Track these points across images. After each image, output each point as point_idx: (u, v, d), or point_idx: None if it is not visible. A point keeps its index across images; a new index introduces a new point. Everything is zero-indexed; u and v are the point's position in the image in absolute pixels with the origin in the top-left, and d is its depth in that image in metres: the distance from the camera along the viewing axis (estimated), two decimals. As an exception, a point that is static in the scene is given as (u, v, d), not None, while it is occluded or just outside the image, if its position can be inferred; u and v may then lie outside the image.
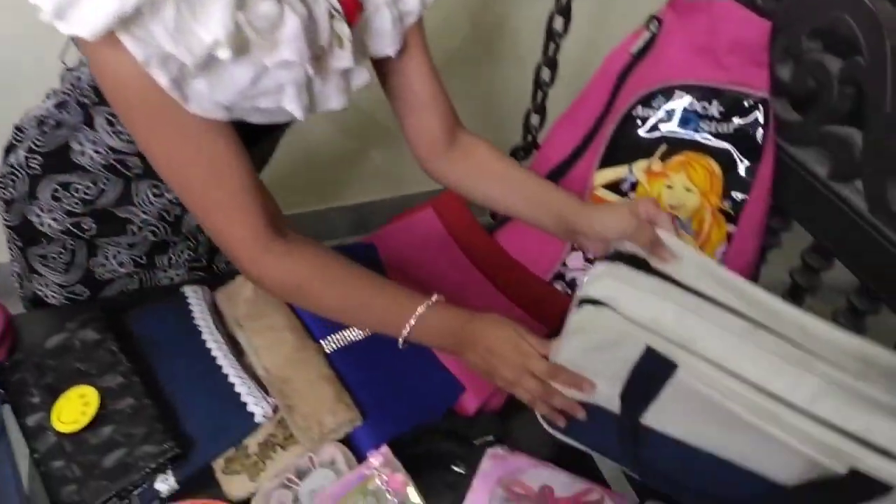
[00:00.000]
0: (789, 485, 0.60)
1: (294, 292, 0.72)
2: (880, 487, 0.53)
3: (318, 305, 0.74)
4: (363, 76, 0.70)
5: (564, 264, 1.11)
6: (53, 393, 0.77)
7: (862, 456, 0.53)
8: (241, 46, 0.57)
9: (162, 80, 0.56)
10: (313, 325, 0.87)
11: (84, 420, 0.74)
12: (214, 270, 1.05)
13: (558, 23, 1.29)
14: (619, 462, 0.75)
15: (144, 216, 0.89)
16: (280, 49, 0.59)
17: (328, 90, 0.67)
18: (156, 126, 0.62)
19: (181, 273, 0.99)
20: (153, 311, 0.88)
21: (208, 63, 0.57)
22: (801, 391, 0.56)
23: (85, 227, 0.88)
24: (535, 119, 1.44)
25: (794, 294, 1.07)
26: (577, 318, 0.64)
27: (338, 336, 0.87)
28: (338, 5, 0.64)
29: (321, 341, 0.86)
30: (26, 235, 0.90)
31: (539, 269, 1.09)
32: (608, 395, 0.66)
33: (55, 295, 0.93)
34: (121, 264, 0.92)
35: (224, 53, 0.56)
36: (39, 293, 0.93)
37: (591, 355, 0.65)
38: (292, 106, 0.64)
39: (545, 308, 0.98)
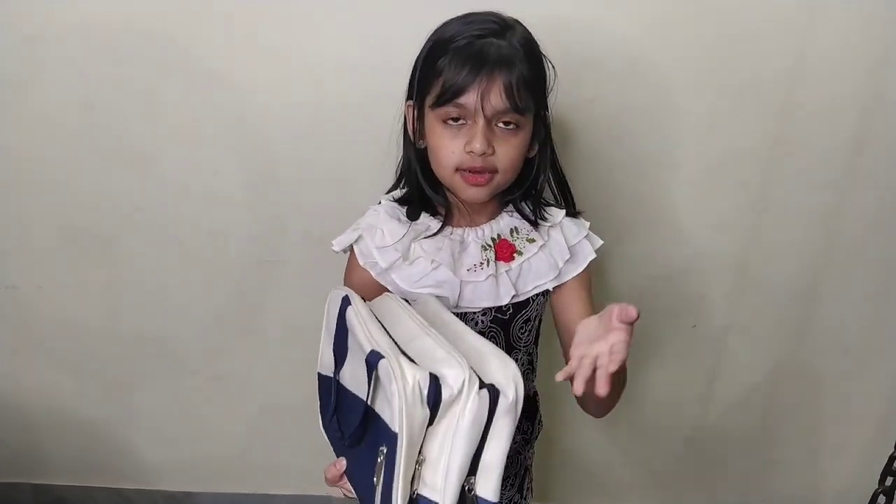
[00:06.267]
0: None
1: None
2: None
3: None
4: (509, 293, 0.98)
5: None
6: None
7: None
8: (413, 259, 0.97)
9: (372, 272, 0.98)
10: None
11: None
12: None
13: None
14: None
15: None
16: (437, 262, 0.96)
17: (478, 293, 0.98)
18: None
19: None
20: None
21: (394, 266, 0.97)
22: (401, 330, 0.80)
23: None
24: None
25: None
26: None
27: None
28: (490, 242, 0.99)
29: None
30: None
31: None
32: (328, 362, 0.87)
33: None
34: None
35: (402, 262, 0.97)
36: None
37: (327, 332, 0.88)
38: (447, 294, 0.95)
39: None
